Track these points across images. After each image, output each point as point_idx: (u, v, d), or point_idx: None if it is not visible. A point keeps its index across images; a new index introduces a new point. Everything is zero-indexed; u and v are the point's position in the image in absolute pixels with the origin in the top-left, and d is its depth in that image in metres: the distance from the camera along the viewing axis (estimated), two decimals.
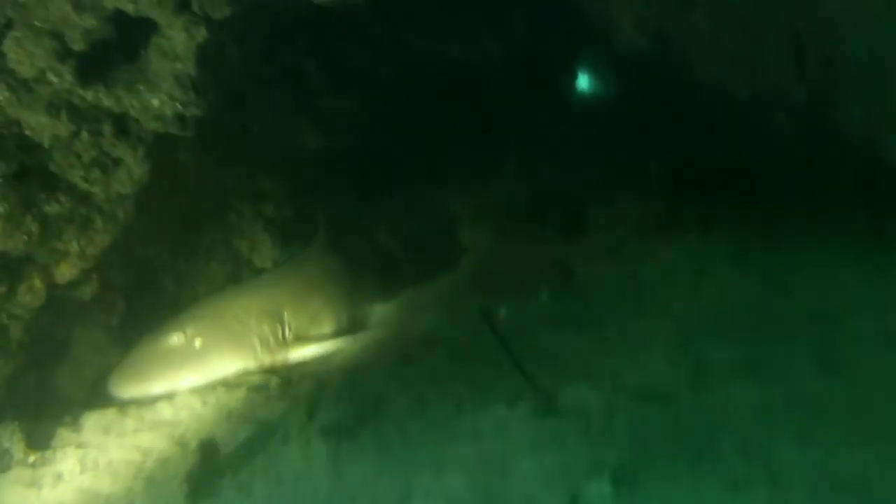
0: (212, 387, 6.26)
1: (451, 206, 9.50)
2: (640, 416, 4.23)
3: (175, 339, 6.42)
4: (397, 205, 9.29)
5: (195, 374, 6.31)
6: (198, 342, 6.40)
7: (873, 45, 5.79)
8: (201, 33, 5.23)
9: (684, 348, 4.93)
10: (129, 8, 4.89)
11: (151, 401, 6.09)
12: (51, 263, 5.95)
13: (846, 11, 5.70)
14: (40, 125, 5.49)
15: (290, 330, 6.87)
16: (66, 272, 6.07)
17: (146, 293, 7.20)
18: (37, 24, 5.11)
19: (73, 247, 5.99)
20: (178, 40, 5.28)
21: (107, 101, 5.55)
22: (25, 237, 5.66)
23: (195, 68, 5.46)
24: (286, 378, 6.40)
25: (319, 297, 7.35)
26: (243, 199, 7.89)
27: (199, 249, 7.69)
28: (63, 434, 5.73)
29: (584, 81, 10.34)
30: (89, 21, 5.06)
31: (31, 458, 5.42)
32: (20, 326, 6.07)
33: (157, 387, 6.20)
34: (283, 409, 5.71)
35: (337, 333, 7.17)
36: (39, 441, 5.60)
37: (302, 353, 6.83)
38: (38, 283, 5.99)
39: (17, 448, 5.41)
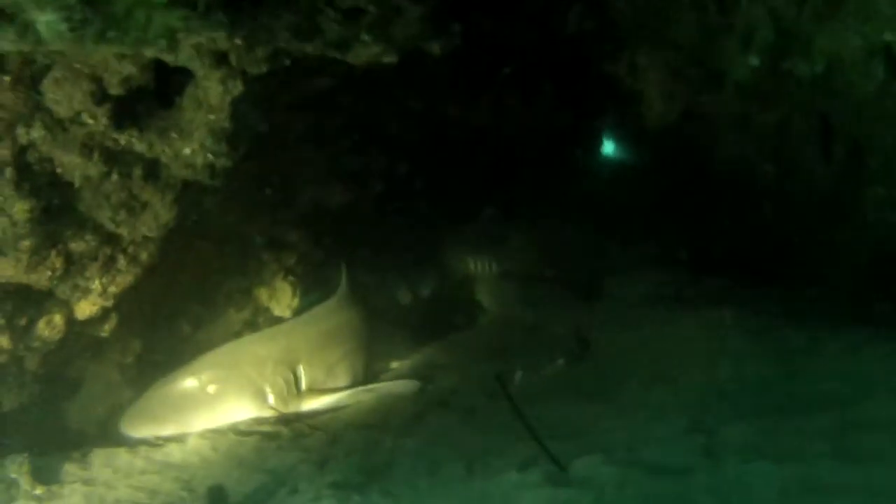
0: (223, 433, 6.26)
1: (471, 268, 9.54)
2: (653, 490, 4.19)
3: (189, 382, 6.46)
4: (417, 264, 9.33)
5: (207, 420, 6.34)
6: (212, 388, 6.43)
7: None
8: (237, 87, 5.30)
9: (699, 423, 4.85)
10: (169, 58, 4.96)
11: (161, 443, 6.11)
12: (72, 299, 6.00)
13: (874, 101, 5.77)
14: (72, 164, 5.55)
15: (304, 381, 6.88)
16: (86, 309, 6.12)
17: (164, 335, 7.25)
18: (76, 66, 5.18)
19: (96, 285, 6.04)
20: (213, 92, 5.34)
21: (139, 146, 5.62)
22: (49, 272, 5.72)
23: (228, 120, 5.52)
24: (298, 429, 6.38)
25: (336, 350, 7.36)
26: (266, 248, 7.94)
27: (219, 296, 7.74)
28: (71, 469, 5.71)
29: (609, 153, 10.43)
30: (128, 68, 5.14)
31: (38, 492, 5.39)
32: (36, 359, 6.12)
33: (167, 429, 6.24)
34: (294, 461, 5.69)
35: (352, 387, 7.15)
36: (47, 475, 5.58)
37: (315, 404, 6.83)
38: (58, 318, 6.03)
39: (25, 480, 5.40)
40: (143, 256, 6.18)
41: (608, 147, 10.55)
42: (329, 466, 5.48)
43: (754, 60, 6.05)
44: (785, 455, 4.31)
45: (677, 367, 5.97)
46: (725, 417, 4.88)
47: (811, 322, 6.14)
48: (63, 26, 3.24)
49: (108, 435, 6.45)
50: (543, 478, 4.50)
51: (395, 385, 7.23)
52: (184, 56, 4.94)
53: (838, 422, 4.57)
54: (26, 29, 3.31)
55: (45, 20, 3.26)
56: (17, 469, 5.49)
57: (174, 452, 6.02)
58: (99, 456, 5.93)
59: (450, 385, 6.91)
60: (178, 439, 6.17)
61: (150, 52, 4.94)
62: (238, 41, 4.66)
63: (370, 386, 7.12)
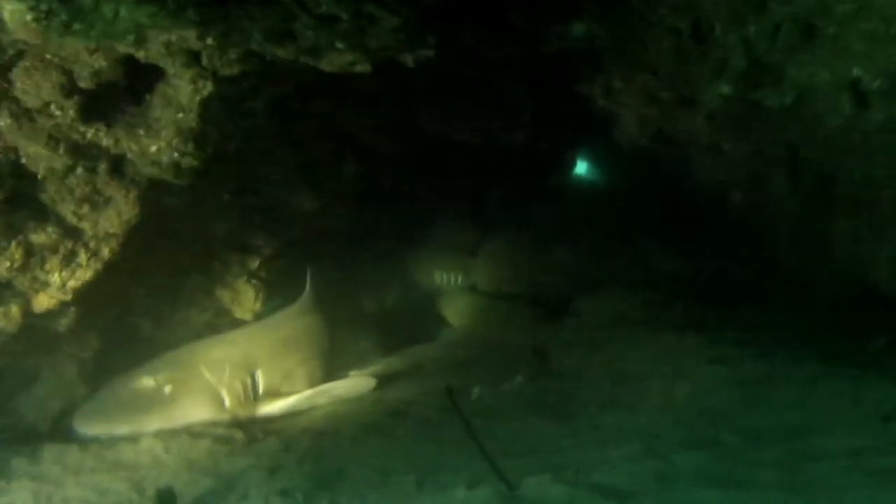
0: (176, 434, 6.19)
1: (437, 279, 9.53)
2: None
3: (145, 382, 6.42)
4: (383, 273, 9.31)
5: (161, 421, 6.27)
6: (167, 389, 6.39)
7: (867, 168, 5.93)
8: (208, 88, 5.26)
9: (653, 448, 4.87)
10: (139, 54, 4.93)
11: (114, 442, 6.04)
12: (30, 292, 5.94)
13: (842, 134, 5.86)
14: (37, 155, 5.50)
15: (261, 385, 6.85)
16: (44, 302, 6.05)
17: (123, 332, 7.18)
18: (48, 57, 5.13)
19: (55, 278, 5.98)
20: (183, 91, 5.30)
21: (106, 141, 5.57)
22: (8, 263, 5.66)
23: (197, 120, 5.48)
24: (252, 434, 6.34)
25: (295, 356, 7.33)
26: (231, 250, 7.89)
27: (181, 296, 7.67)
28: (20, 465, 5.65)
29: (583, 172, 10.48)
30: (99, 61, 5.09)
31: None
32: None
33: (121, 428, 6.18)
34: (245, 466, 5.63)
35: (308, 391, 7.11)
36: None
37: (271, 408, 6.80)
38: (14, 309, 5.97)
39: None
40: (105, 252, 6.12)
41: (583, 166, 10.61)
42: (280, 473, 5.42)
43: (726, 89, 6.11)
44: (734, 483, 4.33)
45: (637, 391, 5.99)
46: (679, 444, 4.89)
47: (774, 352, 6.17)
48: (29, 16, 3.21)
49: (60, 431, 6.39)
50: (492, 496, 4.49)
51: (350, 384, 7.22)
52: (154, 53, 4.90)
53: (791, 452, 4.60)
54: None
55: (11, 8, 3.23)
56: None
57: (126, 452, 5.94)
58: (49, 452, 5.86)
59: (407, 396, 6.88)
60: (131, 439, 6.10)
61: (118, 47, 4.92)
62: (210, 41, 4.63)
63: (325, 386, 7.08)
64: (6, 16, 3.13)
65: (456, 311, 8.87)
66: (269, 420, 6.73)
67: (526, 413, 5.91)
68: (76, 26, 3.21)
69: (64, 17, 3.21)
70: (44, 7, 3.20)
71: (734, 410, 5.40)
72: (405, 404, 6.65)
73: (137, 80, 5.50)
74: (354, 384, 7.21)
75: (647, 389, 5.96)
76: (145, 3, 3.35)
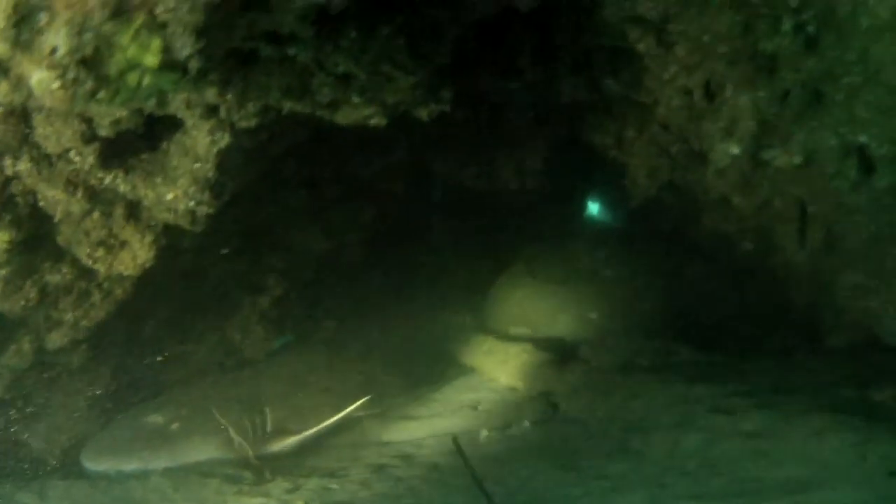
0: (185, 472, 6.23)
1: (449, 321, 9.55)
2: None
3: (154, 419, 6.47)
4: (394, 316, 9.33)
5: (169, 457, 6.32)
6: (176, 426, 6.43)
7: (877, 226, 5.99)
8: (225, 139, 5.36)
9: (657, 498, 4.92)
10: (158, 112, 5.03)
11: (123, 478, 6.10)
12: (43, 330, 6.04)
13: (851, 195, 5.92)
14: (55, 199, 5.65)
15: (269, 423, 6.86)
16: (56, 340, 6.17)
17: (134, 368, 7.24)
18: None
19: (68, 317, 6.11)
20: (201, 142, 5.41)
21: (123, 187, 5.69)
22: (23, 301, 5.77)
23: (214, 170, 5.58)
24: (260, 473, 6.33)
25: (304, 395, 7.35)
26: (242, 290, 7.96)
27: (192, 334, 7.72)
28: (27, 500, 5.75)
29: (593, 220, 10.50)
30: (119, 111, 5.21)
31: None
32: (1, 385, 6.12)
33: (129, 464, 6.21)
34: None
35: (315, 427, 7.03)
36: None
37: (280, 445, 6.77)
38: (26, 346, 6.08)
39: None
40: (118, 293, 6.24)
41: (592, 213, 10.64)
42: None
43: (735, 149, 6.19)
44: None
45: (643, 440, 6.01)
46: (684, 494, 4.93)
47: (780, 402, 6.16)
48: (55, 84, 3.30)
49: (69, 466, 6.44)
50: None
51: (354, 409, 7.16)
52: (173, 107, 4.99)
53: None
54: (19, 83, 3.37)
55: (38, 77, 3.31)
56: None
57: (135, 489, 6.00)
58: (57, 488, 5.95)
59: (416, 437, 6.91)
60: (140, 476, 6.14)
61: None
62: (229, 97, 4.72)
63: (332, 420, 7.00)
64: (33, 83, 3.22)
65: (466, 352, 8.88)
66: (278, 458, 6.70)
67: (533, 459, 5.93)
68: (101, 94, 3.30)
69: (89, 85, 3.30)
70: (70, 76, 3.29)
71: (740, 462, 5.41)
72: (414, 447, 6.68)
73: (156, 129, 5.62)
74: (358, 409, 7.18)
75: (654, 439, 5.97)
76: (168, 71, 3.44)
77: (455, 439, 5.98)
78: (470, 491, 5.25)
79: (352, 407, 7.17)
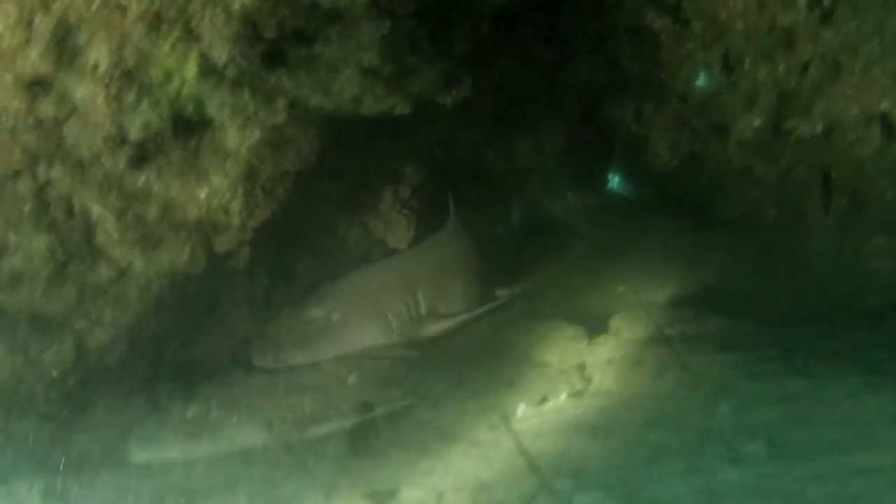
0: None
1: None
2: None
3: (315, 312, 6.77)
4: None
5: (333, 348, 6.66)
6: (336, 316, 6.73)
7: None
8: (255, 135, 5.46)
9: (696, 465, 4.96)
10: (189, 108, 5.10)
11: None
12: (84, 329, 6.16)
13: (875, 160, 5.94)
14: (90, 202, 5.74)
15: (424, 306, 7.16)
16: (98, 338, 6.26)
17: (168, 363, 7.35)
18: None
19: (107, 315, 6.17)
20: (231, 139, 5.51)
21: (156, 187, 5.79)
22: (64, 303, 5.85)
23: (245, 166, 5.69)
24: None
25: (450, 277, 7.66)
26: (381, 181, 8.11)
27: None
28: (79, 492, 5.86)
29: (614, 193, 10.50)
30: (148, 114, 5.28)
31: None
32: (45, 386, 6.23)
33: (296, 358, 6.57)
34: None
35: (468, 311, 7.43)
36: (56, 497, 5.77)
37: (436, 328, 7.15)
38: (69, 346, 6.16)
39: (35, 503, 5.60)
40: (154, 290, 6.29)
41: (613, 187, 10.64)
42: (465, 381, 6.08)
43: (757, 121, 6.20)
44: (781, 497, 4.37)
45: (679, 408, 6.05)
46: (724, 461, 4.96)
47: (814, 367, 6.19)
48: (99, 98, 3.38)
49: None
50: None
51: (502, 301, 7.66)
52: (209, 111, 5.06)
53: (835, 468, 4.65)
54: (63, 99, 3.44)
55: (82, 93, 3.39)
56: (27, 491, 5.70)
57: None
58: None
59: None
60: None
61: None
62: (259, 96, 4.79)
63: (483, 308, 7.42)
64: (77, 99, 3.30)
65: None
66: (436, 340, 7.07)
67: (570, 431, 5.99)
68: (143, 105, 3.38)
69: (132, 97, 3.38)
70: (113, 90, 3.37)
71: (776, 427, 5.42)
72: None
73: (186, 129, 5.67)
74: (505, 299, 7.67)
75: (690, 407, 6.01)
76: (206, 78, 3.51)
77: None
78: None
79: (505, 296, 7.65)
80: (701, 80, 8.60)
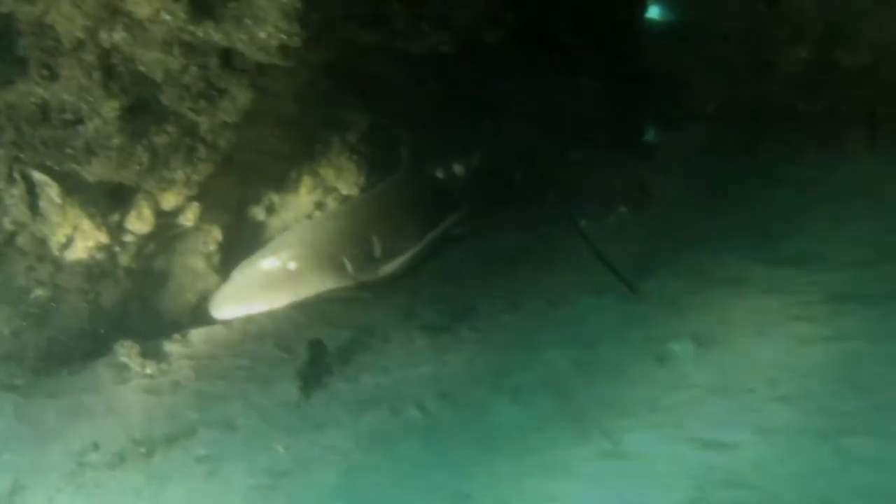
0: (310, 302, 6.76)
1: None
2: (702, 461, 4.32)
3: (270, 262, 6.94)
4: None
5: (291, 295, 6.79)
6: (292, 265, 6.85)
7: None
8: None
9: (748, 403, 4.94)
10: None
11: (251, 318, 6.61)
12: (158, 191, 6.30)
13: None
14: (154, 61, 5.89)
15: (378, 249, 7.35)
16: (172, 200, 6.44)
17: (241, 223, 7.69)
18: None
19: (180, 175, 6.31)
20: None
21: (216, 36, 5.90)
22: (137, 167, 5.92)
23: (300, 2, 5.76)
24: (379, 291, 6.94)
25: (403, 220, 7.89)
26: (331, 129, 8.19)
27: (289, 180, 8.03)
28: (174, 349, 6.23)
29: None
30: None
31: (149, 371, 5.98)
32: (129, 253, 6.52)
33: (255, 308, 6.69)
34: (381, 315, 6.28)
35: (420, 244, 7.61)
36: (154, 356, 6.08)
37: (391, 267, 7.31)
38: (146, 210, 6.26)
39: (136, 362, 5.93)
40: (222, 143, 6.31)
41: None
42: (416, 315, 6.13)
43: (803, 52, 6.02)
44: (834, 432, 4.38)
45: (721, 350, 5.80)
46: (774, 398, 4.94)
47: (858, 309, 5.97)
48: None
49: (199, 320, 6.88)
50: (616, 300, 5.60)
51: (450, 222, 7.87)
52: None
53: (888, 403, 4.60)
54: None
55: None
56: (127, 353, 6.00)
57: (267, 323, 6.51)
58: (198, 335, 6.44)
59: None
60: (270, 313, 6.60)
61: None
62: None
63: (430, 236, 7.68)
64: None
65: None
66: (393, 279, 7.23)
67: (615, 376, 5.60)
68: None
69: None
70: None
71: (822, 366, 5.34)
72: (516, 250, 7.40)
73: None
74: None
75: (734, 348, 5.84)
76: None
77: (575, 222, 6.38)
78: (578, 271, 6.11)
79: (447, 222, 7.80)
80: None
